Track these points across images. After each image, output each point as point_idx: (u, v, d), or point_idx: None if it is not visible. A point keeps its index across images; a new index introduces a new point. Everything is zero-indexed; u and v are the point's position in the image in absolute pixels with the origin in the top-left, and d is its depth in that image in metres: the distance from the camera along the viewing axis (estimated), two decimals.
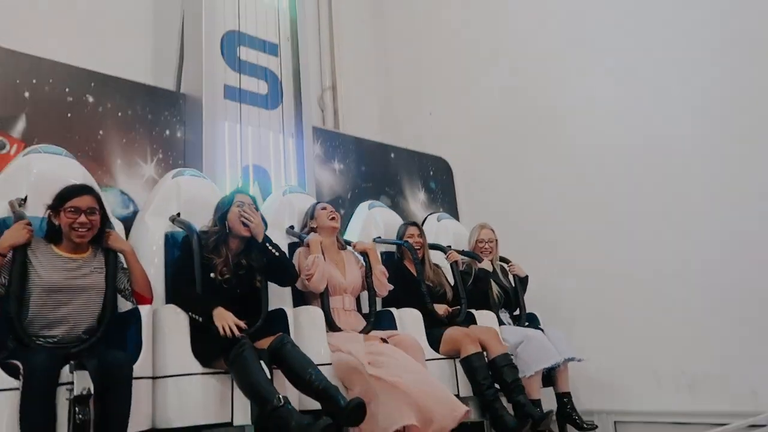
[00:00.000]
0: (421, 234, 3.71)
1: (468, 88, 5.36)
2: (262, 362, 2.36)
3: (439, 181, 5.32)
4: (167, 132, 3.79)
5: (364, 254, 3.26)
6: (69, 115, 3.39)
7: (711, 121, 3.84)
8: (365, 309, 3.24)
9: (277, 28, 4.41)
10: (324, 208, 3.32)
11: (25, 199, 2.59)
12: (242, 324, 2.47)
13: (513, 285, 3.90)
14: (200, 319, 2.53)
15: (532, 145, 4.85)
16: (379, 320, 3.16)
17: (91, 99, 3.50)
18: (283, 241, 3.26)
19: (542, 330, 3.66)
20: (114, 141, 3.54)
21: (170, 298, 2.68)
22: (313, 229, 3.29)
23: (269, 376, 2.35)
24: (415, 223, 3.84)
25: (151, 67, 4.12)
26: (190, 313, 2.55)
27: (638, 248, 4.09)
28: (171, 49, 4.16)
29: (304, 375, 2.39)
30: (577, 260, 4.38)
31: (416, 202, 5.08)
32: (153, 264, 2.78)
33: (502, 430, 2.96)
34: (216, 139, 3.82)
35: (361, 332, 2.99)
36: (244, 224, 2.72)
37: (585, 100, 4.50)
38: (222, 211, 2.79)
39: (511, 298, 3.85)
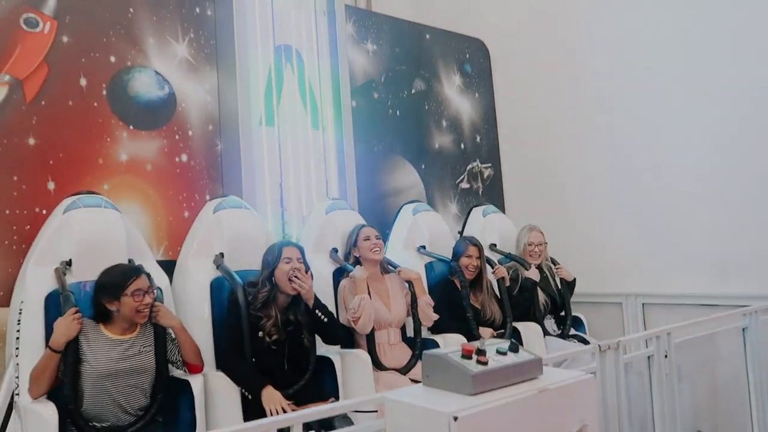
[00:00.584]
0: (481, 256, 3.51)
1: None
2: None
3: (475, 64, 5.14)
4: (197, 9, 3.69)
5: (410, 283, 3.17)
6: None
7: None
8: (410, 329, 3.19)
9: None
10: (367, 239, 3.18)
11: (69, 263, 2.58)
12: (290, 408, 2.45)
13: (559, 288, 3.81)
14: (249, 396, 2.55)
15: (575, 29, 4.60)
16: (423, 350, 3.00)
17: None
18: (327, 269, 3.22)
19: (587, 341, 3.55)
20: (144, 19, 3.47)
21: (220, 363, 2.69)
22: (357, 260, 3.20)
23: None
24: (476, 243, 3.57)
25: None
26: (239, 387, 2.58)
27: (674, 140, 3.98)
28: None
29: None
30: (605, 146, 4.31)
31: (451, 86, 4.95)
32: (200, 319, 2.77)
33: None
34: (246, 17, 3.70)
35: (406, 367, 2.98)
36: (293, 282, 2.67)
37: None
38: (270, 269, 2.72)
39: (557, 304, 3.78)
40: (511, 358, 1.72)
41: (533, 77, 4.92)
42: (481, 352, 1.69)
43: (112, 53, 3.32)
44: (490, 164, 5.08)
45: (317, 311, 2.73)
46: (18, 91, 3.01)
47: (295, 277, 2.66)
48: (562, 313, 3.81)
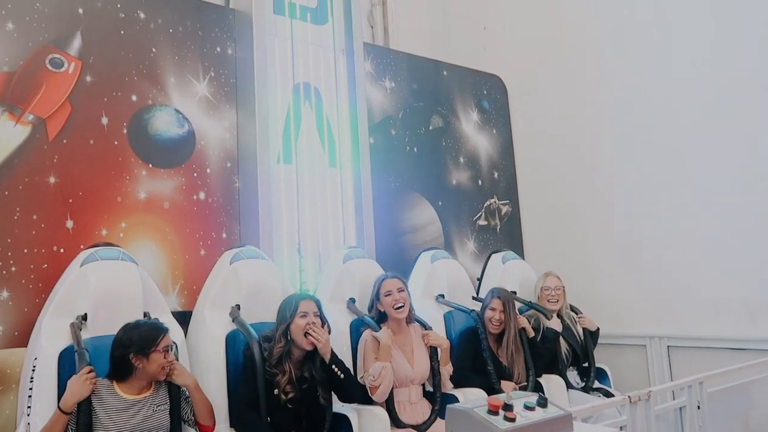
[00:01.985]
0: (505, 310, 3.40)
1: (525, 3, 5.05)
2: None
3: (493, 100, 5.14)
4: (218, 49, 3.74)
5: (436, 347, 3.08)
6: (122, 32, 3.36)
7: None
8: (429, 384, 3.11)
9: None
10: (388, 294, 3.04)
11: (85, 318, 2.58)
12: None
13: (582, 338, 3.71)
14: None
15: (593, 65, 4.60)
16: (444, 407, 2.92)
17: (142, 15, 3.45)
18: (344, 320, 3.18)
19: (612, 395, 3.44)
20: (166, 58, 3.51)
21: (235, 421, 2.65)
22: (381, 313, 3.09)
23: None
24: (500, 296, 3.44)
25: None
26: None
27: (698, 178, 3.92)
28: None
29: None
30: (625, 184, 4.25)
31: (469, 122, 4.94)
32: (215, 372, 2.74)
33: None
34: (266, 55, 3.74)
35: (425, 424, 2.92)
36: (309, 336, 2.61)
37: (661, 31, 4.17)
38: (286, 324, 2.66)
39: (579, 354, 3.66)
40: (539, 414, 1.64)
41: (551, 114, 4.90)
42: (508, 408, 1.62)
43: (133, 92, 3.36)
44: (507, 201, 5.03)
45: (334, 367, 2.64)
46: (41, 130, 3.04)
47: (312, 330, 2.60)
48: (585, 364, 3.68)
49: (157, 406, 2.40)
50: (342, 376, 2.65)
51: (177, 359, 2.53)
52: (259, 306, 2.90)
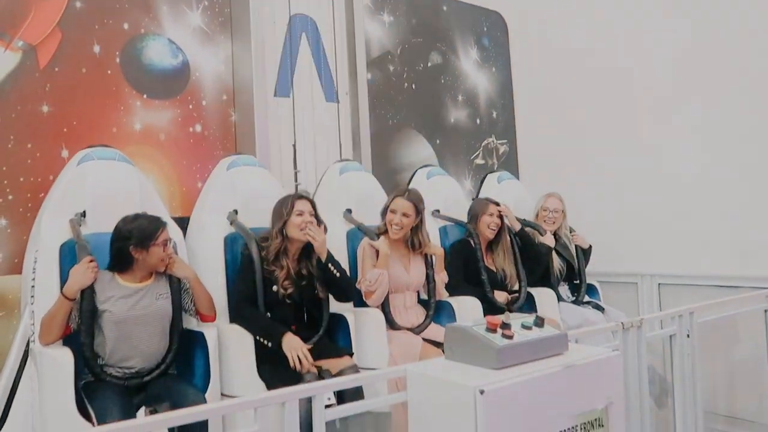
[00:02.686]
0: (501, 216, 3.43)
1: None
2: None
3: (493, 37, 5.04)
4: None
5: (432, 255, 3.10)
6: None
7: None
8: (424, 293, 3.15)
9: None
10: (394, 212, 3.00)
11: (84, 215, 2.56)
12: (309, 363, 2.45)
13: (575, 256, 3.75)
14: (269, 344, 2.53)
15: (595, 2, 4.48)
16: (438, 312, 3.08)
17: None
18: (340, 229, 3.16)
19: (602, 308, 3.55)
20: None
21: (234, 317, 2.68)
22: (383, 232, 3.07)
23: (332, 399, 2.24)
24: (496, 202, 3.49)
25: None
26: (257, 337, 2.56)
27: (691, 113, 3.90)
28: None
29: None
30: (624, 124, 4.23)
31: (468, 59, 4.85)
32: (214, 271, 2.75)
33: None
34: None
35: (419, 327, 2.94)
36: (306, 235, 2.64)
37: None
38: (282, 221, 2.67)
39: (573, 271, 3.73)
40: (536, 333, 1.69)
41: (551, 52, 4.81)
42: (506, 326, 1.66)
43: (125, 20, 3.27)
44: (505, 140, 5.01)
45: (330, 265, 2.68)
46: (31, 57, 2.96)
47: (309, 229, 2.64)
48: (577, 282, 3.78)
49: (159, 294, 2.45)
50: (338, 275, 2.69)
51: (177, 254, 2.57)
52: (255, 212, 2.89)
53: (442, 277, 3.15)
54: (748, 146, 3.68)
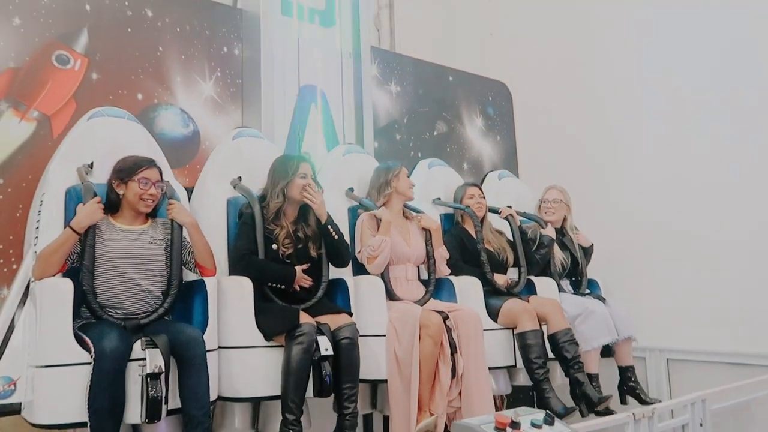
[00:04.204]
0: (482, 195, 3.55)
1: (532, 9, 5.05)
2: (322, 338, 2.43)
3: (497, 106, 5.14)
4: (225, 49, 3.72)
5: (428, 232, 3.17)
6: (129, 29, 3.34)
7: None
8: (425, 274, 3.19)
9: None
10: (408, 176, 3.23)
11: (91, 165, 2.62)
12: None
13: (577, 253, 3.76)
14: (282, 287, 2.61)
15: (600, 74, 4.60)
16: (438, 289, 3.12)
17: (150, 13, 3.43)
18: (342, 204, 3.22)
19: (603, 299, 3.56)
20: (173, 57, 3.49)
21: (234, 269, 2.68)
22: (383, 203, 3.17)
23: (329, 349, 2.41)
24: (475, 184, 3.68)
25: None
26: (269, 284, 2.62)
27: (700, 187, 3.94)
28: None
29: (340, 387, 2.47)
30: (639, 203, 4.27)
31: (473, 128, 4.94)
32: (215, 230, 2.79)
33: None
34: (273, 56, 3.72)
35: (419, 301, 2.97)
36: (306, 197, 2.73)
37: (663, 37, 4.18)
38: (286, 181, 2.74)
39: (577, 266, 3.73)
40: None
41: (555, 121, 4.89)
42: (515, 425, 1.61)
43: (139, 90, 3.34)
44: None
45: (329, 227, 2.75)
46: (45, 127, 3.02)
47: (307, 192, 2.71)
48: (579, 278, 3.76)
49: (153, 238, 2.46)
50: (336, 237, 2.76)
51: (179, 201, 2.58)
52: (258, 181, 2.92)
53: (441, 253, 3.18)
54: (755, 218, 3.69)
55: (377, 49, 4.60)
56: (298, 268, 2.66)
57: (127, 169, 2.44)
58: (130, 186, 2.43)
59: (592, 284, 3.78)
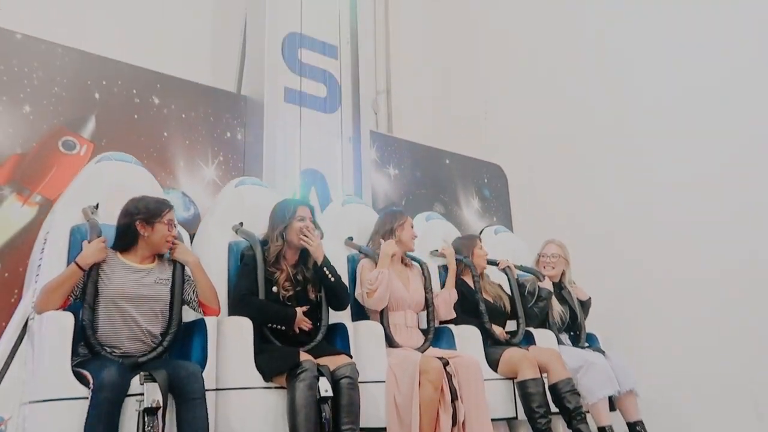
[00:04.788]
0: (482, 247, 3.60)
1: (525, 92, 5.24)
2: (322, 379, 2.39)
3: (493, 188, 5.22)
4: (228, 134, 3.80)
5: (427, 280, 3.20)
6: (136, 116, 3.42)
7: None
8: (423, 325, 3.18)
9: (338, 30, 4.37)
10: (412, 227, 3.27)
11: (96, 207, 2.64)
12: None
13: (575, 307, 3.76)
14: (282, 328, 2.62)
15: (593, 156, 4.72)
16: (438, 337, 3.11)
17: (156, 100, 3.53)
18: (341, 252, 3.24)
19: (603, 352, 3.53)
20: (177, 143, 3.56)
21: (233, 310, 2.67)
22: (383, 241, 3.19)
23: (328, 390, 2.37)
24: (477, 237, 3.73)
25: (213, 68, 4.14)
26: (270, 325, 2.61)
27: (718, 261, 3.95)
28: (233, 51, 4.17)
29: (339, 429, 2.41)
30: (645, 278, 4.26)
31: (470, 210, 4.99)
32: (216, 273, 2.78)
33: None
34: (276, 142, 3.80)
35: (419, 349, 2.95)
36: (302, 239, 2.76)
37: (655, 115, 4.36)
38: (284, 225, 2.77)
39: (575, 320, 3.72)
40: None
41: (551, 202, 4.96)
42: None
43: None
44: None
45: (325, 269, 2.75)
46: (47, 211, 2.99)
47: (304, 234, 2.73)
48: (577, 332, 3.71)
49: (159, 278, 2.44)
50: (332, 279, 2.76)
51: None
52: (260, 225, 2.93)
53: (447, 296, 3.19)
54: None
55: (376, 134, 4.72)
56: (299, 310, 2.66)
57: (153, 211, 2.46)
58: (157, 228, 2.45)
59: (591, 338, 3.76)
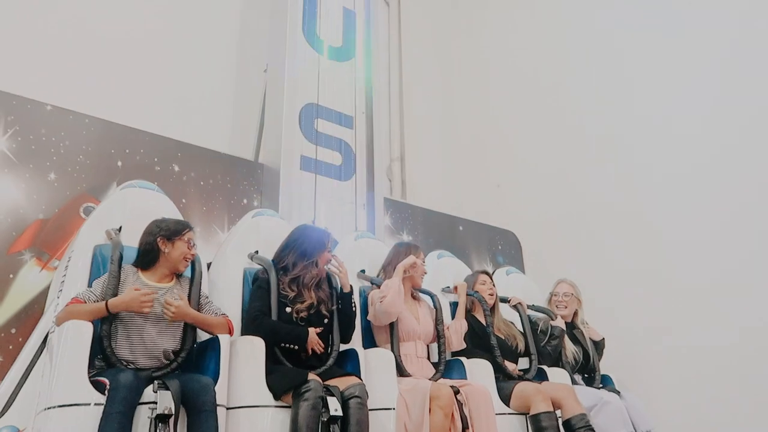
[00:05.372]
0: (493, 283, 3.63)
1: (538, 161, 5.32)
2: (331, 399, 2.42)
3: (507, 255, 5.21)
4: (245, 201, 3.87)
5: (437, 312, 3.26)
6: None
7: None
8: (434, 357, 3.21)
9: (354, 101, 4.52)
10: (423, 262, 3.34)
11: (119, 229, 2.75)
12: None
13: (589, 348, 3.75)
14: (295, 347, 2.65)
15: (606, 223, 4.73)
16: (449, 369, 3.13)
17: (176, 168, 3.63)
18: (354, 285, 3.23)
19: (618, 392, 3.47)
20: (195, 209, 3.63)
21: (246, 330, 2.73)
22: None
23: (338, 410, 2.39)
24: (485, 271, 3.74)
25: (232, 137, 4.27)
26: (282, 344, 2.65)
27: (735, 315, 3.93)
28: (252, 120, 4.31)
29: None
30: (658, 339, 4.19)
31: None
32: (231, 297, 2.89)
33: None
34: (291, 208, 3.86)
35: (430, 379, 2.93)
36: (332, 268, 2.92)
37: (667, 184, 4.40)
38: (316, 252, 2.87)
39: (589, 361, 3.69)
40: None
41: (564, 269, 4.92)
42: None
43: None
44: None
45: (351, 297, 2.88)
46: None
47: (334, 265, 2.90)
48: (591, 374, 3.63)
49: (176, 298, 2.49)
50: (354, 309, 2.89)
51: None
52: (273, 253, 3.00)
53: (458, 325, 3.21)
54: None
55: (389, 200, 4.78)
56: (312, 330, 2.69)
57: (174, 230, 2.59)
58: (176, 245, 2.56)
59: (606, 379, 3.70)
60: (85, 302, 2.36)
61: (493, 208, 5.44)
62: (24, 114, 3.15)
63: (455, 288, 3.48)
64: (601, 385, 3.60)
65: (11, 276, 2.88)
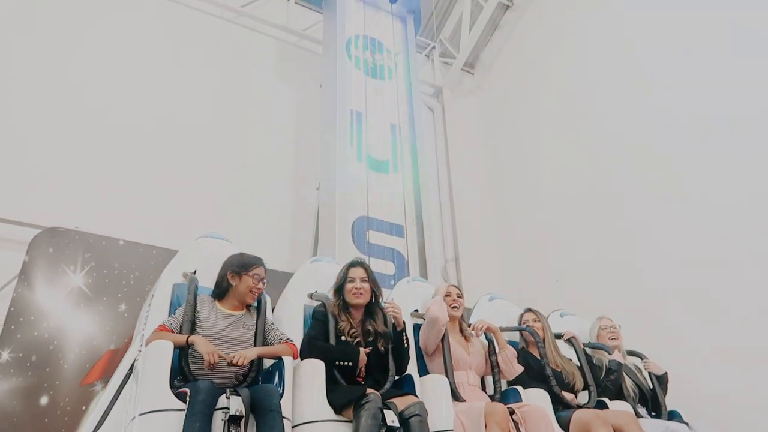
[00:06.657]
0: (538, 319, 3.69)
1: (595, 258, 5.23)
2: (388, 411, 2.59)
3: None
4: None
5: (490, 344, 3.37)
6: None
7: None
8: (490, 390, 3.33)
9: (404, 211, 4.66)
10: (448, 294, 3.49)
11: (194, 272, 3.17)
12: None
13: (650, 383, 3.64)
14: (350, 364, 2.90)
15: (669, 309, 4.54)
16: (505, 397, 3.16)
17: None
18: (408, 322, 3.50)
19: (687, 424, 3.35)
20: None
21: (302, 354, 3.01)
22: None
23: (395, 421, 2.53)
24: (530, 309, 3.94)
25: (291, 255, 4.46)
26: (337, 362, 2.91)
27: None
28: (307, 238, 4.51)
29: None
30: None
31: None
32: (294, 332, 3.23)
33: None
34: None
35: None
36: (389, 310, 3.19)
37: (731, 264, 4.24)
38: (340, 283, 3.27)
39: (646, 396, 3.57)
40: None
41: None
42: None
43: None
44: None
45: (404, 334, 3.11)
46: None
47: (391, 306, 3.18)
48: (655, 413, 3.48)
49: (246, 324, 2.89)
50: (406, 344, 3.11)
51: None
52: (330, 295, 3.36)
53: (509, 351, 3.30)
54: None
55: None
56: (362, 350, 2.94)
57: (243, 264, 2.94)
58: (243, 279, 2.92)
59: (674, 414, 3.55)
60: (171, 330, 2.72)
61: (552, 307, 5.32)
62: (99, 250, 3.44)
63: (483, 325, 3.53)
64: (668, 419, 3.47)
65: (84, 408, 3.03)
